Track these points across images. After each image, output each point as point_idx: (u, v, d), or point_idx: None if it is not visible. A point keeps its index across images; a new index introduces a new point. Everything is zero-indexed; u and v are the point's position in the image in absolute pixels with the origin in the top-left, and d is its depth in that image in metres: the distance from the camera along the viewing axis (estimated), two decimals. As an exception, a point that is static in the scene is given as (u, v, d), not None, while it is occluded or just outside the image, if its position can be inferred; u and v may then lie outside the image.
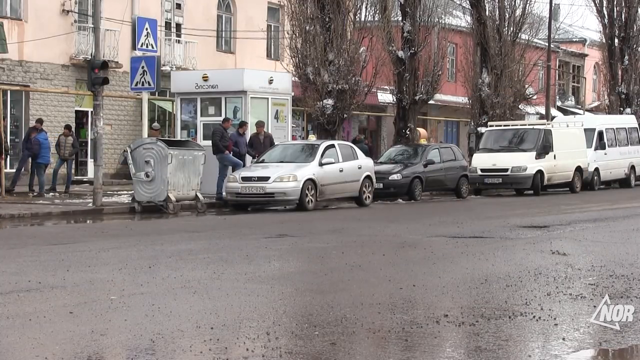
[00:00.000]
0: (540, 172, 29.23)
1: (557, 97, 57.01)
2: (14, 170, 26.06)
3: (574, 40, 61.54)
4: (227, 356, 6.36)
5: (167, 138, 26.90)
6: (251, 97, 24.92)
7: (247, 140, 23.82)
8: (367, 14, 30.47)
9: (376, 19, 30.68)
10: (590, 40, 60.13)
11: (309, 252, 12.81)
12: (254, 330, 7.12)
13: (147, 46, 23.29)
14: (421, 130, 34.76)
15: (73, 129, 26.99)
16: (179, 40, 34.58)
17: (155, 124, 27.53)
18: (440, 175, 27.28)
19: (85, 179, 29.84)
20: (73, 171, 26.83)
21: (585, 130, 31.86)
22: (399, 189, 25.99)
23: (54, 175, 25.44)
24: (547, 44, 41.45)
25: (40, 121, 25.33)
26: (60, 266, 10.90)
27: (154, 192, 20.66)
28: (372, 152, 34.90)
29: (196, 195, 21.36)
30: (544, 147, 29.59)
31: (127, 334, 7.01)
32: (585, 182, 31.48)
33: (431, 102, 35.76)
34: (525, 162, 29.04)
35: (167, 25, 34.16)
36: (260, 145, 23.80)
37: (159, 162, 20.58)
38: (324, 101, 27.62)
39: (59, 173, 25.81)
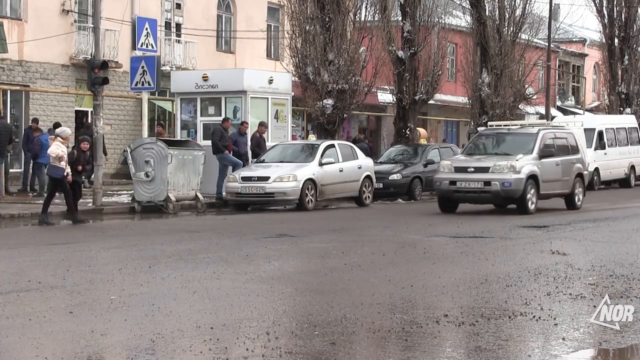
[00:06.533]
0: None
1: (557, 97, 56.98)
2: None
3: (574, 40, 61.51)
4: (227, 356, 6.36)
5: (167, 138, 26.88)
6: (251, 97, 24.90)
7: (248, 141, 23.83)
8: (367, 14, 30.46)
9: (376, 18, 30.67)
10: (590, 40, 60.10)
11: (309, 252, 12.80)
12: (254, 330, 7.12)
13: (147, 46, 23.28)
14: (421, 130, 34.75)
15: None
16: (179, 40, 34.56)
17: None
18: (440, 175, 27.19)
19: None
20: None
21: (585, 130, 31.76)
22: (399, 188, 25.97)
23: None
24: (547, 44, 41.44)
25: (36, 121, 25.32)
26: (60, 266, 10.90)
27: (153, 192, 20.66)
28: (372, 151, 34.86)
29: (196, 195, 21.35)
30: (544, 147, 29.53)
31: (127, 334, 7.01)
32: (585, 182, 31.45)
33: (431, 102, 35.74)
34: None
35: (167, 25, 34.14)
36: (264, 145, 23.84)
37: (159, 162, 20.58)
38: (324, 101, 27.59)
39: None
